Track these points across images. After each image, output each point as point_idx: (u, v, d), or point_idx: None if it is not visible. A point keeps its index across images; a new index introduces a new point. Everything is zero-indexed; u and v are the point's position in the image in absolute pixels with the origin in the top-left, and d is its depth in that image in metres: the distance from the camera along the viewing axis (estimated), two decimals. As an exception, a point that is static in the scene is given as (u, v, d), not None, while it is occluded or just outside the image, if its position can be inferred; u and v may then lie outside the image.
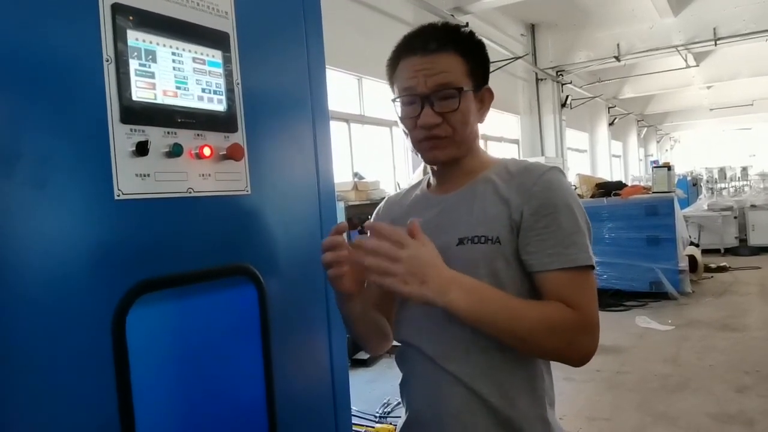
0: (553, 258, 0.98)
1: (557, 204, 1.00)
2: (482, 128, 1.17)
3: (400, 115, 1.09)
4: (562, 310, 0.96)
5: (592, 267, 1.00)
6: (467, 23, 6.91)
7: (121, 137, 0.80)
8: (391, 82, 1.12)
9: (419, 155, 1.11)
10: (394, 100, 1.10)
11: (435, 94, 1.04)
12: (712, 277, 8.18)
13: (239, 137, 0.97)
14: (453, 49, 1.05)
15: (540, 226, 1.00)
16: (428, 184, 1.20)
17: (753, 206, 10.45)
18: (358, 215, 5.68)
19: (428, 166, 1.18)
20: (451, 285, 0.92)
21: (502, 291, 0.97)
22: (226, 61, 0.95)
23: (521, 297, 1.00)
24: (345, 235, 1.04)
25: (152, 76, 0.84)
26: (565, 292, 0.97)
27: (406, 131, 1.10)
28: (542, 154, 11.38)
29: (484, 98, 1.12)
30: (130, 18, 0.82)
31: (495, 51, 8.63)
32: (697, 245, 9.00)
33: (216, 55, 0.94)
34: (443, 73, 1.04)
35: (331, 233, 1.01)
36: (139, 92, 0.83)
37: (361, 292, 1.06)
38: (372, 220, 1.28)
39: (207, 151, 0.91)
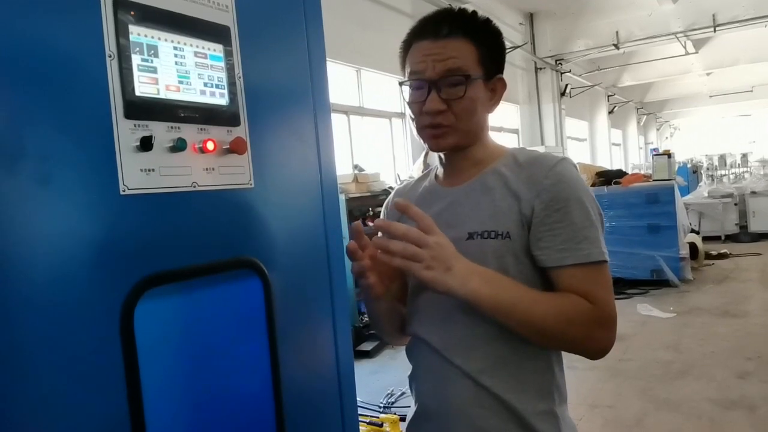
0: (565, 254, 0.98)
1: (569, 198, 0.99)
2: (482, 119, 1.16)
3: (407, 99, 1.09)
4: (580, 302, 0.95)
5: (605, 261, 0.99)
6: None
7: (125, 132, 0.80)
8: (403, 66, 1.10)
9: (422, 142, 1.10)
10: (402, 84, 1.10)
11: (442, 80, 1.03)
12: (712, 264, 8.20)
13: (242, 131, 0.97)
14: (465, 35, 1.04)
15: (551, 221, 0.99)
16: (436, 176, 1.19)
17: (753, 193, 10.45)
18: (359, 207, 5.69)
19: (435, 157, 1.18)
20: (472, 274, 0.92)
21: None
22: (228, 54, 0.95)
23: None
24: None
25: (154, 71, 0.84)
26: (580, 288, 0.97)
27: (413, 116, 1.09)
28: (542, 144, 11.36)
29: (496, 88, 1.10)
30: (132, 13, 0.82)
31: (493, 40, 8.59)
32: (697, 232, 9.01)
33: (217, 49, 0.94)
34: (452, 59, 1.02)
35: (351, 235, 1.04)
36: (142, 87, 0.83)
37: (388, 290, 1.07)
38: (382, 213, 1.29)
39: (210, 146, 0.91)
